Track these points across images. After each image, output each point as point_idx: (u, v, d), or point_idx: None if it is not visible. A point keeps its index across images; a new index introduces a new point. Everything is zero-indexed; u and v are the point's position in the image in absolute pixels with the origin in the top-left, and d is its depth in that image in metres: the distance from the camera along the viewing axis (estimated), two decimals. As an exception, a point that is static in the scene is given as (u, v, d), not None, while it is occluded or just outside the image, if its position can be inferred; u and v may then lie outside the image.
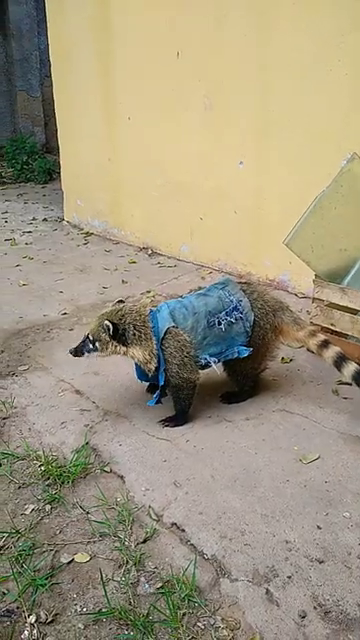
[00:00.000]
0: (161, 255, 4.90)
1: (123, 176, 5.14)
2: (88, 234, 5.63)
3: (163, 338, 2.28)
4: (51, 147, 9.27)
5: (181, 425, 2.41)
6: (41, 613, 1.56)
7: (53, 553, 1.77)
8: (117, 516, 1.90)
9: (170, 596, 1.59)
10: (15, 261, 4.73)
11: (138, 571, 1.69)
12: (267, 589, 1.63)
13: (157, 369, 2.32)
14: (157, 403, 2.40)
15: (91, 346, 2.33)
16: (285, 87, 3.61)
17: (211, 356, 2.34)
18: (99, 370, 2.88)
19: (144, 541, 1.80)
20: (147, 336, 2.29)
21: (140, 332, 2.30)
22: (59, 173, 6.23)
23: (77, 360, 2.41)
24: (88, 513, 1.92)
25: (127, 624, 1.53)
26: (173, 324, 2.29)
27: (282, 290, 4.02)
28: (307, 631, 1.51)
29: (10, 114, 9.80)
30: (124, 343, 2.30)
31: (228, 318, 2.33)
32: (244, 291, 2.46)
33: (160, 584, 1.64)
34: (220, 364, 2.41)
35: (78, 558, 1.75)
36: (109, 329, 2.26)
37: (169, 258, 4.81)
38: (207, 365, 2.36)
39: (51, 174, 8.06)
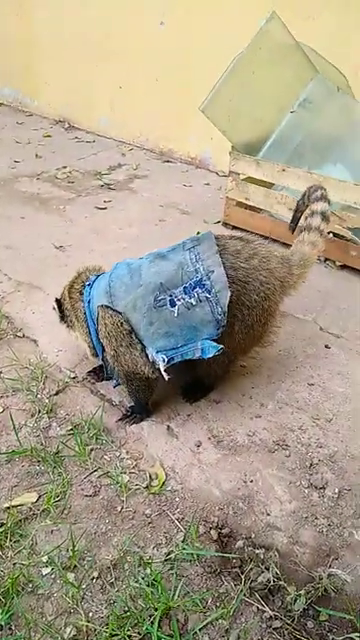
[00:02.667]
0: (79, 130, 4.59)
1: (35, 35, 4.59)
2: (-2, 104, 5.12)
3: (97, 320, 1.72)
4: None
5: (140, 420, 1.82)
6: None
7: (-34, 408, 1.84)
8: (30, 374, 1.98)
9: (80, 436, 1.73)
10: None
11: (50, 418, 1.81)
12: (168, 426, 1.82)
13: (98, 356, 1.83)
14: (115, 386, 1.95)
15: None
16: None
17: (158, 352, 1.63)
18: (11, 244, 2.80)
19: (56, 393, 1.91)
20: (79, 318, 1.80)
21: (72, 313, 1.84)
22: None
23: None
24: (1, 372, 1.99)
25: (39, 461, 1.66)
26: (105, 302, 1.67)
27: (204, 168, 3.96)
28: (201, 457, 1.73)
29: None
30: (69, 326, 1.88)
31: (186, 298, 1.60)
32: (236, 254, 1.68)
33: (70, 427, 1.78)
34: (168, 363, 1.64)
35: (-9, 411, 1.83)
36: (54, 309, 1.89)
37: (87, 133, 4.52)
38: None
39: None
